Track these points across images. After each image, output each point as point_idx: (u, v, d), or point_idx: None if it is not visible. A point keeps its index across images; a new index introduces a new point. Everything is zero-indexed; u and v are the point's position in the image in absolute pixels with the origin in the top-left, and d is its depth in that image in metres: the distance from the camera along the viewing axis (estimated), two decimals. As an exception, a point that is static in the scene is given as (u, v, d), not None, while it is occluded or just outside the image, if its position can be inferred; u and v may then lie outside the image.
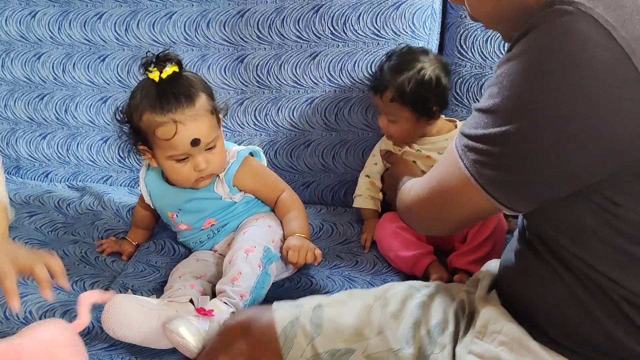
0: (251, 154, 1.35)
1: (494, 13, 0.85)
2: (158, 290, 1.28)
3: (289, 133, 1.58)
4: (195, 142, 1.18)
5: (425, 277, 1.28)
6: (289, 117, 1.57)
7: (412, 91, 1.31)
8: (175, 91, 1.17)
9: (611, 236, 0.77)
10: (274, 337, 0.96)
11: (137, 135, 1.23)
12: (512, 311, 0.92)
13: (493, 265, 1.05)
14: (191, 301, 1.16)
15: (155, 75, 1.17)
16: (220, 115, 1.28)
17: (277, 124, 1.58)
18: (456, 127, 1.42)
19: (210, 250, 1.35)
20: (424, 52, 1.37)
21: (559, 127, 0.71)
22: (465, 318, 0.97)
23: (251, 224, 1.29)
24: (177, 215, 1.32)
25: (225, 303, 1.11)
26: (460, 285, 1.07)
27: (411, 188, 0.95)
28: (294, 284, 1.30)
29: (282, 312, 0.98)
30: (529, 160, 0.74)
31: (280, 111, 1.58)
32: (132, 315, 1.09)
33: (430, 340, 0.95)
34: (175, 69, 1.18)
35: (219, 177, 1.28)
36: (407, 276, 1.32)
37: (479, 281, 1.03)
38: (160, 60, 1.18)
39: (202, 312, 1.08)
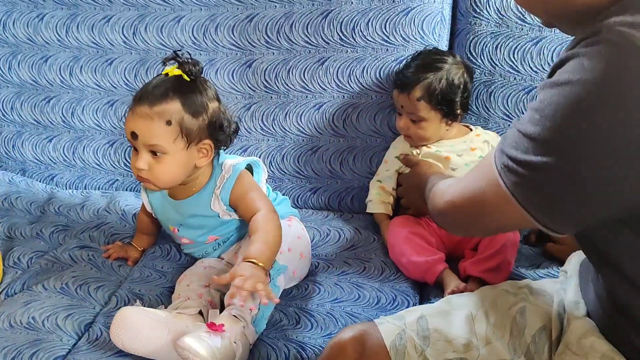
0: (250, 165, 1.31)
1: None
2: (165, 295, 1.27)
3: (297, 138, 1.57)
4: (132, 135, 1.17)
5: (437, 284, 1.27)
6: (297, 123, 1.57)
7: (441, 92, 1.32)
8: (154, 87, 1.18)
9: None
10: (383, 350, 0.96)
11: None
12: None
13: (576, 260, 1.06)
14: (200, 312, 1.15)
15: (165, 70, 1.20)
16: (207, 142, 1.21)
17: (285, 129, 1.57)
18: (471, 130, 1.44)
19: (218, 257, 1.34)
20: (452, 54, 1.40)
21: (603, 161, 0.71)
22: (560, 323, 0.98)
23: None
24: (178, 230, 1.31)
25: (235, 317, 1.10)
26: (553, 281, 1.07)
27: (445, 192, 0.95)
28: (302, 292, 1.29)
29: (388, 326, 0.99)
30: (571, 190, 0.75)
31: (287, 116, 1.57)
32: (141, 328, 1.08)
33: (536, 347, 0.96)
34: (178, 72, 1.19)
35: (215, 193, 1.25)
36: (417, 283, 1.31)
37: (567, 278, 1.03)
38: (177, 59, 1.20)
39: (213, 328, 1.07)
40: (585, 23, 0.76)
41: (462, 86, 1.35)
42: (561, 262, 1.15)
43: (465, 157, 1.39)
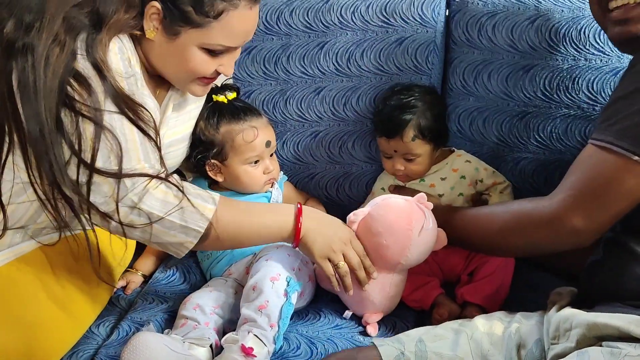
0: None
1: None
2: (168, 321, 1.27)
3: (294, 166, 1.60)
4: (268, 144, 1.39)
5: (432, 310, 1.28)
6: (294, 151, 1.59)
7: (432, 124, 1.37)
8: (245, 106, 1.41)
9: None
10: None
11: (209, 151, 1.36)
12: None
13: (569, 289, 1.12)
14: (211, 346, 1.14)
15: (222, 98, 1.39)
16: None
17: (282, 157, 1.59)
18: (452, 152, 1.46)
19: (223, 275, 1.35)
20: (414, 84, 1.45)
21: None
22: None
23: (271, 250, 1.27)
24: None
25: (257, 337, 1.11)
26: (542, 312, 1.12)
27: (555, 200, 1.01)
28: (302, 317, 1.30)
29: (387, 348, 1.04)
30: None
31: (285, 145, 1.59)
32: (157, 356, 1.05)
33: (534, 356, 1.02)
34: (234, 95, 1.41)
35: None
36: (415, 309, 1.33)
37: (559, 299, 1.09)
38: (222, 89, 1.41)
39: (245, 351, 1.08)
40: None
41: (442, 109, 1.41)
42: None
43: (449, 179, 1.41)
